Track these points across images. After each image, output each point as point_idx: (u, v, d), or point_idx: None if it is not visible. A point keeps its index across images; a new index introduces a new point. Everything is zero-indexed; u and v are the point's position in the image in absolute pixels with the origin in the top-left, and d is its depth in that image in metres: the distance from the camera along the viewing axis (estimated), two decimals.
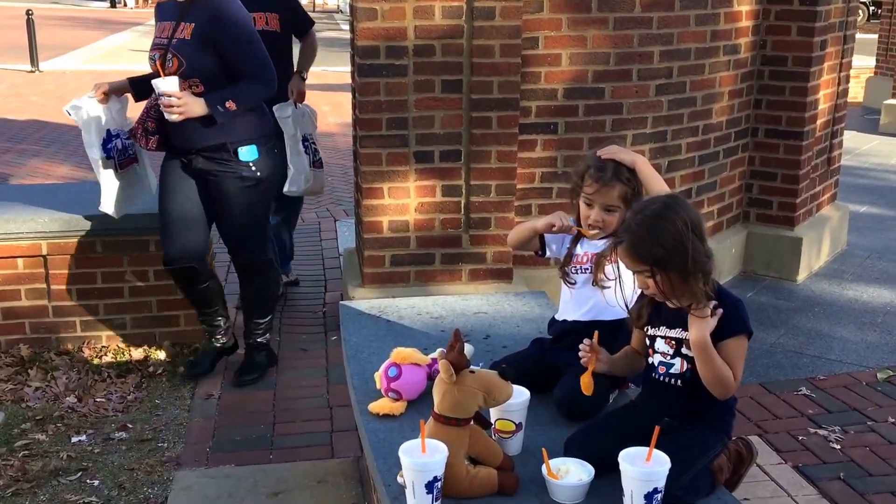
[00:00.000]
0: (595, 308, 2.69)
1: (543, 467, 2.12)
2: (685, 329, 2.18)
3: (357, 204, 4.76)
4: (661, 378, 2.26)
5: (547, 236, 2.85)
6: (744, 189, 5.85)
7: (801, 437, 3.74)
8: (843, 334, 4.88)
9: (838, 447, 3.67)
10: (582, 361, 2.32)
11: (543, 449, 2.13)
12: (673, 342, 2.24)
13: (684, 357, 2.22)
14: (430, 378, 2.61)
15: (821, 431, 3.80)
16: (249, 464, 3.48)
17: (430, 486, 1.97)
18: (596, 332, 2.35)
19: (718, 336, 2.14)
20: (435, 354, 2.68)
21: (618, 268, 2.55)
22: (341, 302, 3.43)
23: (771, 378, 4.33)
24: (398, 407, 2.50)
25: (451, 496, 2.06)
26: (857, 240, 6.56)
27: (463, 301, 3.39)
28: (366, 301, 3.43)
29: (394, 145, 4.33)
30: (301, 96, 4.92)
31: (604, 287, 2.61)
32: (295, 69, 5.04)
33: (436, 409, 2.09)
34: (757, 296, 5.44)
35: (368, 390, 2.65)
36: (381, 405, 2.51)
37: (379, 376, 2.59)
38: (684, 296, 2.16)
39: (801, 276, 5.74)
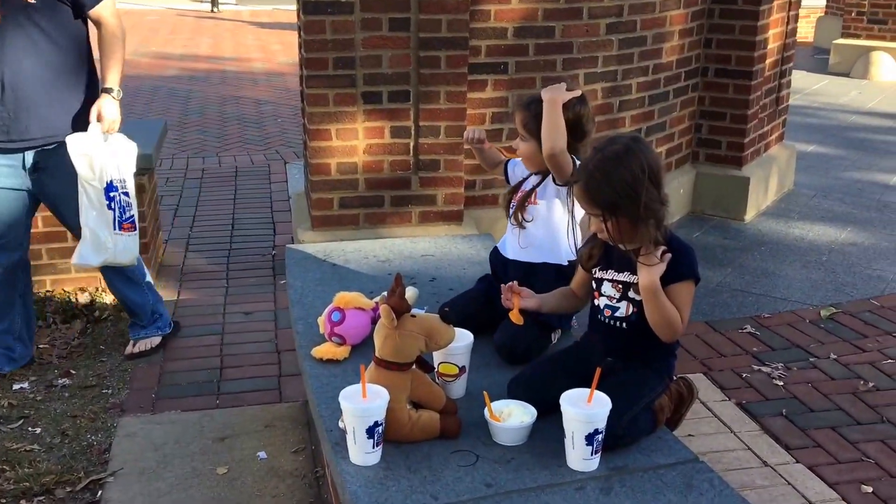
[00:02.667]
0: (536, 250, 2.68)
1: (486, 410, 2.11)
2: (633, 273, 2.18)
3: (305, 146, 4.67)
4: (607, 320, 2.26)
5: (507, 165, 2.89)
6: (693, 129, 5.86)
7: (744, 375, 3.80)
8: (788, 273, 4.95)
9: (781, 384, 3.74)
10: (504, 304, 2.31)
11: (485, 392, 2.13)
12: (620, 286, 2.23)
13: (630, 301, 2.21)
14: (374, 322, 2.57)
15: (764, 369, 3.86)
16: (196, 409, 3.45)
17: (370, 432, 1.95)
18: (511, 314, 2.33)
19: (666, 280, 2.13)
20: (378, 299, 2.65)
21: (571, 209, 2.55)
22: (287, 246, 3.38)
23: (716, 316, 4.38)
24: (342, 352, 2.48)
25: (392, 441, 2.05)
26: (804, 179, 6.64)
27: (410, 244, 3.36)
28: (312, 245, 3.39)
29: (341, 85, 4.24)
30: (109, 121, 3.40)
31: (521, 227, 2.64)
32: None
33: (377, 354, 2.07)
34: (704, 235, 5.49)
35: (312, 335, 2.62)
36: (324, 350, 2.48)
37: (322, 321, 2.56)
38: (634, 241, 2.14)
39: (749, 215, 5.80)
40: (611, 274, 2.25)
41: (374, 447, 1.98)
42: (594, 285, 2.30)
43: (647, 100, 5.24)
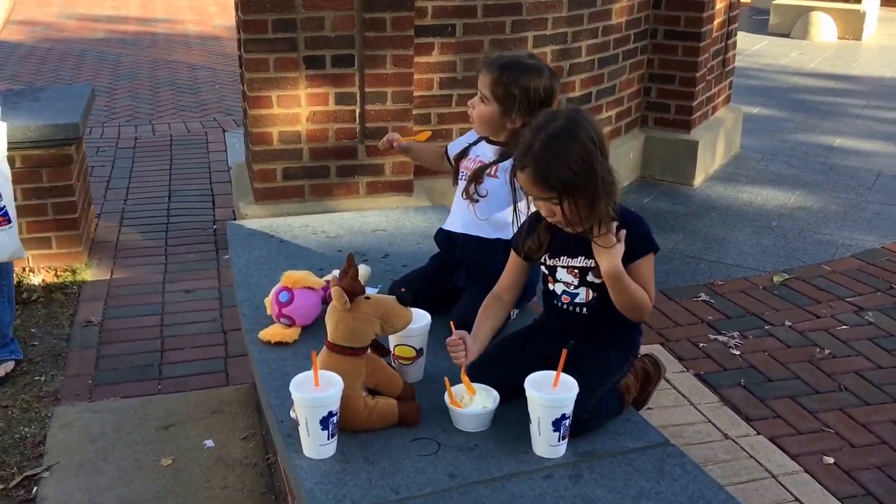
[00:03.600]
0: (489, 225, 2.53)
1: (446, 395, 2.00)
2: (588, 257, 2.05)
3: (244, 114, 4.47)
4: (565, 307, 2.14)
5: (448, 151, 2.71)
6: (642, 93, 5.78)
7: (701, 345, 3.75)
8: (739, 238, 4.92)
9: (738, 353, 3.69)
10: (456, 362, 2.05)
11: (446, 378, 2.01)
12: (576, 271, 2.10)
13: (590, 285, 2.09)
14: (325, 302, 2.44)
15: (720, 338, 3.82)
16: (136, 396, 3.28)
17: (325, 422, 1.82)
18: (452, 323, 2.11)
19: (626, 259, 2.01)
20: (329, 277, 2.51)
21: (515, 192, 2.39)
22: (229, 221, 3.21)
23: (670, 284, 4.33)
24: (291, 334, 2.34)
25: (348, 430, 1.92)
26: (750, 142, 6.63)
27: (360, 218, 3.21)
28: (255, 220, 3.22)
29: (281, 49, 4.05)
30: None
31: (474, 201, 2.49)
32: None
33: (329, 339, 1.94)
34: (654, 201, 5.43)
35: (259, 317, 2.47)
36: (272, 332, 2.34)
37: (269, 302, 2.41)
38: (590, 221, 2.00)
39: (698, 180, 5.76)
40: (564, 260, 2.10)
41: (328, 438, 1.85)
42: (545, 271, 2.16)
43: (596, 63, 5.13)
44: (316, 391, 1.83)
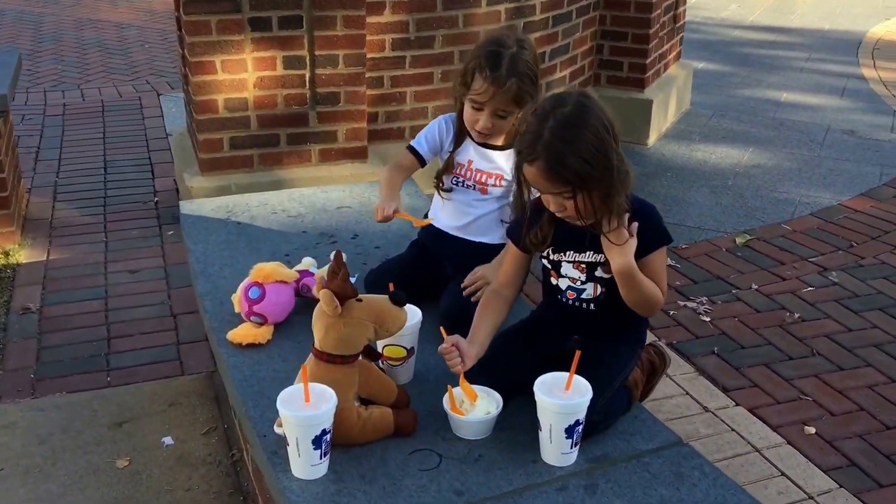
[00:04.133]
0: (475, 227, 2.37)
1: (445, 401, 1.84)
2: (597, 252, 1.90)
3: (185, 80, 4.19)
4: (571, 302, 2.00)
5: (420, 148, 2.45)
6: (594, 51, 5.63)
7: (671, 312, 3.67)
8: (698, 199, 4.85)
9: (708, 320, 3.62)
10: (454, 370, 1.88)
11: (449, 386, 1.85)
12: (583, 266, 1.95)
13: (598, 281, 1.94)
14: (299, 295, 2.26)
15: (690, 304, 3.74)
16: (84, 390, 3.05)
17: (317, 441, 1.66)
18: (442, 329, 1.94)
19: (638, 252, 1.87)
20: (301, 268, 2.32)
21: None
22: (181, 202, 2.97)
23: None
24: (263, 333, 2.15)
25: (340, 444, 1.76)
26: (699, 98, 6.55)
27: (322, 194, 3.00)
28: (209, 200, 2.98)
29: (224, 11, 3.77)
30: None
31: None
32: None
33: (317, 346, 1.76)
34: None
35: (225, 314, 2.27)
36: (243, 333, 2.14)
37: (238, 298, 2.21)
38: (603, 214, 1.84)
39: (651, 139, 5.66)
40: (571, 255, 1.95)
41: (321, 458, 1.68)
42: (549, 266, 2.01)
43: (550, 21, 4.95)
44: (307, 408, 1.65)
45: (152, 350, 3.31)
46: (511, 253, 2.04)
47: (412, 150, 2.43)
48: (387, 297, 1.79)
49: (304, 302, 2.29)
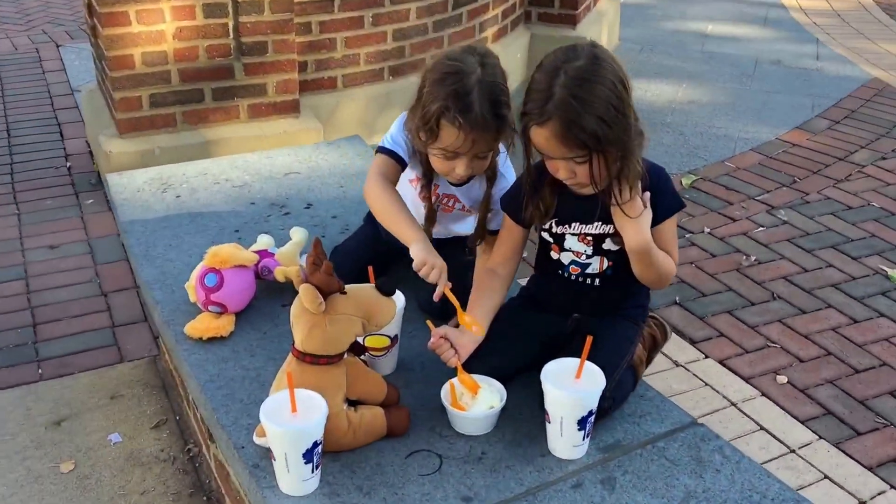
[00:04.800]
0: (442, 228, 2.11)
1: (444, 395, 1.68)
2: (606, 222, 1.73)
3: (94, 32, 3.83)
4: (574, 278, 1.83)
5: (398, 149, 1.96)
6: None
7: None
8: None
9: None
10: (450, 363, 1.71)
11: (451, 382, 1.68)
12: (590, 239, 1.78)
13: (605, 254, 1.78)
14: (259, 277, 2.05)
15: None
16: (13, 385, 2.78)
17: (308, 455, 1.47)
18: (429, 322, 1.76)
19: (653, 219, 1.72)
20: (258, 248, 2.10)
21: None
22: (108, 175, 2.68)
23: None
24: (224, 325, 1.93)
25: (329, 451, 1.58)
26: (627, 32, 6.43)
27: (266, 159, 2.76)
28: (142, 171, 2.70)
29: None
30: None
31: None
32: None
33: (299, 347, 1.56)
34: None
35: (177, 303, 2.05)
36: (202, 326, 1.92)
37: (193, 287, 1.98)
38: (618, 180, 1.67)
39: None
40: (576, 227, 1.77)
41: (312, 472, 1.50)
42: (548, 239, 1.83)
43: None
44: (295, 420, 1.46)
45: (85, 335, 3.03)
46: (507, 227, 1.86)
47: (389, 153, 1.95)
48: (372, 286, 1.60)
49: (264, 284, 2.09)
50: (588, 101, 1.56)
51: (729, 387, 2.86)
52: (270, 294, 2.06)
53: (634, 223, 1.66)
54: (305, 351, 1.54)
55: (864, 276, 3.49)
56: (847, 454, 2.58)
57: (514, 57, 5.26)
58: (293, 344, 1.58)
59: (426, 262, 1.72)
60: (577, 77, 1.57)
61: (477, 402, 1.66)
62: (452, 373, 1.72)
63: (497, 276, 1.84)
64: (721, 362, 2.99)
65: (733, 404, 2.79)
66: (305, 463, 1.47)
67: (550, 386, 1.56)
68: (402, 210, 1.85)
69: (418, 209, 1.99)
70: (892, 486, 2.46)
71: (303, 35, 4.00)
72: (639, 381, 1.82)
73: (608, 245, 1.75)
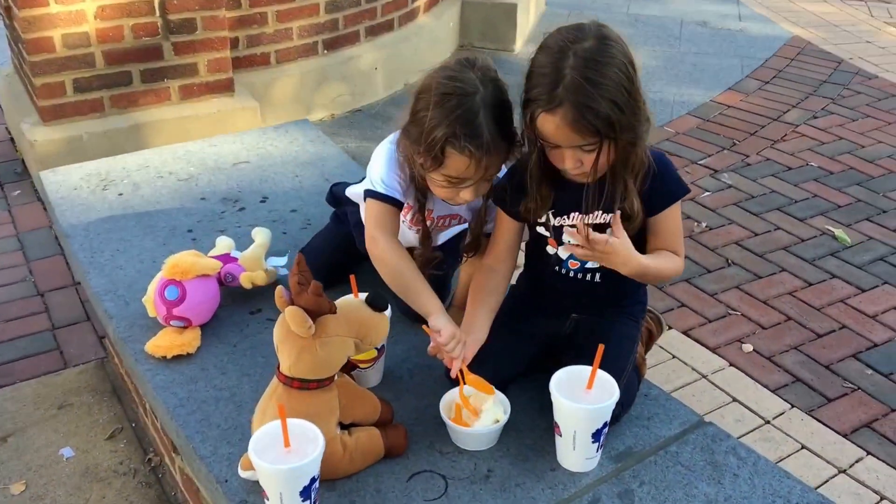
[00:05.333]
0: (439, 237, 1.96)
1: (444, 413, 1.57)
2: (608, 210, 1.62)
3: (8, 14, 3.55)
4: (573, 273, 1.72)
5: (396, 194, 1.74)
6: None
7: None
8: None
9: None
10: (454, 372, 1.60)
11: (458, 404, 1.57)
12: (589, 230, 1.67)
13: None
14: (222, 284, 1.90)
15: None
16: None
17: (306, 492, 1.35)
18: (425, 327, 1.63)
19: (657, 208, 1.62)
20: (218, 252, 1.95)
21: None
22: (42, 173, 2.46)
23: None
24: (190, 340, 1.78)
25: (325, 480, 1.46)
26: None
27: (211, 149, 2.57)
28: (78, 167, 2.48)
29: None
30: None
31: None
32: None
33: (286, 372, 1.42)
34: None
35: (134, 316, 1.88)
36: (166, 343, 1.76)
37: (151, 301, 1.82)
38: (624, 167, 1.56)
39: (518, 45, 5.41)
40: (575, 218, 1.66)
41: None
42: (545, 233, 1.72)
43: None
44: (290, 457, 1.33)
45: (23, 340, 2.82)
46: (503, 223, 1.74)
47: (385, 198, 1.72)
48: (361, 301, 1.47)
49: (228, 291, 1.94)
50: (601, 83, 1.44)
51: (697, 358, 2.83)
52: (235, 301, 1.92)
53: (619, 256, 1.55)
54: (293, 376, 1.41)
55: (811, 238, 3.50)
56: (821, 422, 2.58)
57: (446, 26, 5.12)
58: (278, 368, 1.45)
59: (454, 335, 1.58)
60: (588, 58, 1.45)
61: (481, 416, 1.55)
62: (445, 380, 1.62)
63: (496, 274, 1.73)
64: (685, 333, 2.96)
65: (704, 376, 2.76)
66: (303, 501, 1.35)
67: (564, 399, 1.46)
68: (416, 278, 1.67)
69: (405, 235, 1.83)
70: (869, 453, 2.46)
71: (232, 10, 3.79)
72: (641, 381, 1.74)
73: (609, 235, 1.65)
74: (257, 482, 1.42)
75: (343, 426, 1.50)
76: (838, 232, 3.51)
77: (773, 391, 2.70)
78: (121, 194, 2.33)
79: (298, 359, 1.39)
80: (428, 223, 1.80)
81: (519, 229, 1.73)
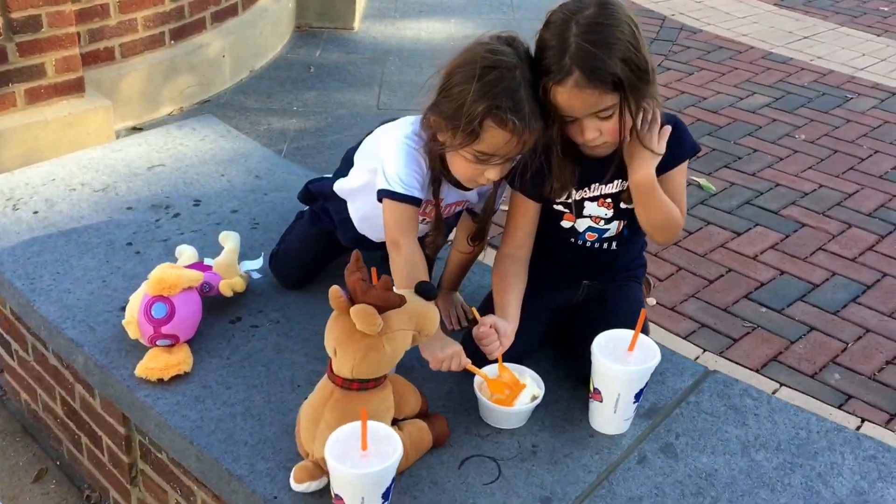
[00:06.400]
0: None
1: (480, 393, 1.56)
2: (625, 178, 1.66)
3: None
4: (590, 244, 1.75)
5: (417, 192, 1.66)
6: None
7: None
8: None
9: (505, 208, 3.55)
10: (492, 356, 1.59)
11: (486, 379, 1.56)
12: (609, 201, 1.70)
13: (622, 214, 1.71)
14: (202, 294, 1.78)
15: None
16: None
17: (387, 493, 1.31)
18: (474, 309, 1.66)
19: (664, 166, 1.66)
20: (199, 262, 1.83)
21: None
22: None
23: None
24: (184, 358, 1.66)
25: None
26: None
27: (116, 153, 2.39)
28: None
29: None
30: None
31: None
32: None
33: (347, 375, 1.36)
34: (326, 53, 4.93)
35: (106, 341, 1.73)
36: (159, 364, 1.63)
37: (134, 322, 1.68)
38: (642, 128, 1.58)
39: (356, 22, 5.36)
40: (596, 189, 1.68)
41: None
42: (563, 209, 1.73)
43: None
44: (370, 460, 1.29)
45: None
46: (521, 208, 1.73)
47: (411, 199, 1.64)
48: (411, 292, 1.43)
49: (204, 301, 1.82)
50: (608, 43, 1.48)
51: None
52: (211, 311, 1.81)
53: (643, 157, 1.59)
54: (354, 377, 1.36)
55: None
56: (733, 361, 2.76)
57: (285, 8, 4.99)
58: (330, 370, 1.39)
59: (443, 359, 1.55)
60: (591, 23, 1.49)
61: (519, 394, 1.56)
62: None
63: (517, 261, 1.73)
64: None
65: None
66: (384, 502, 1.31)
67: (610, 363, 1.50)
68: (420, 273, 1.60)
69: None
70: (782, 384, 2.66)
71: (73, 3, 3.50)
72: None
73: (623, 204, 1.69)
74: (316, 492, 1.37)
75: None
76: (702, 181, 3.73)
77: (684, 338, 2.86)
78: (36, 212, 2.12)
79: (364, 359, 1.33)
80: (443, 211, 1.76)
81: (537, 213, 1.74)
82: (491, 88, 1.51)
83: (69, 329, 1.75)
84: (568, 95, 1.50)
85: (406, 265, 1.60)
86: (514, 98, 1.51)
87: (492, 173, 1.61)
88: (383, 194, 1.63)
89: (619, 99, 1.51)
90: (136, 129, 3.76)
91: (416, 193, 1.63)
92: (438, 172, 1.67)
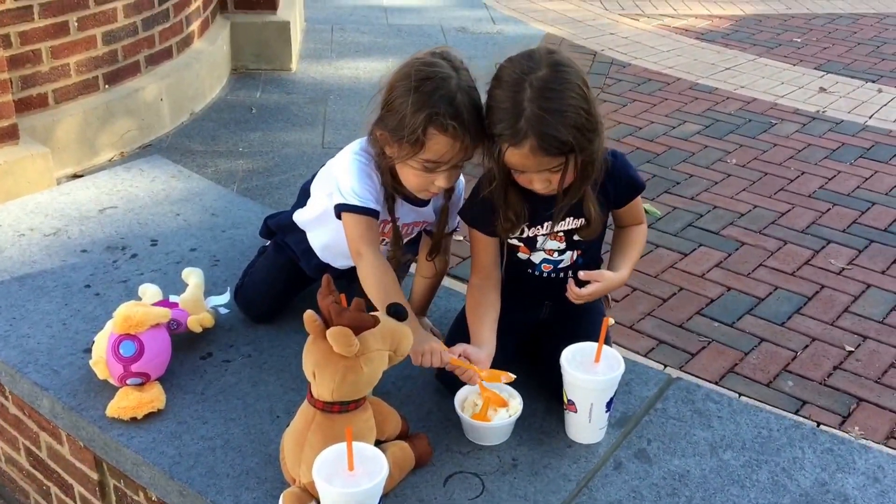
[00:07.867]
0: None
1: (461, 410, 1.58)
2: (576, 216, 1.71)
3: None
4: (546, 275, 1.79)
5: (371, 203, 1.69)
6: None
7: None
8: None
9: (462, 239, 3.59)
10: (471, 382, 1.61)
11: (482, 389, 1.58)
12: (562, 235, 1.75)
13: (575, 246, 1.76)
14: (170, 332, 1.77)
15: None
16: None
17: None
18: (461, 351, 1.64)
19: (622, 201, 1.75)
20: (165, 299, 1.82)
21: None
22: None
23: None
24: (157, 395, 1.65)
25: None
26: (310, 13, 6.39)
27: (63, 197, 2.36)
28: None
29: None
30: None
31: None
32: None
33: (327, 398, 1.37)
34: (266, 95, 4.95)
35: (72, 383, 1.70)
36: (132, 403, 1.61)
37: (102, 362, 1.66)
38: (587, 177, 1.64)
39: (294, 63, 5.40)
40: (548, 227, 1.73)
41: None
42: (517, 243, 1.77)
43: None
44: (359, 479, 1.29)
45: None
46: (480, 242, 1.76)
47: (368, 211, 1.68)
48: (382, 313, 1.44)
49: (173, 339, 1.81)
50: (560, 111, 1.52)
51: None
52: (181, 348, 1.80)
53: (609, 288, 1.72)
54: (335, 400, 1.36)
55: None
56: (693, 374, 2.82)
57: (221, 50, 5.00)
58: (310, 395, 1.39)
59: (423, 352, 1.57)
60: (544, 88, 1.52)
61: (499, 410, 1.59)
62: (430, 386, 1.63)
63: (487, 289, 1.76)
64: None
65: None
66: None
67: (581, 374, 1.54)
68: (400, 294, 1.64)
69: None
70: (741, 394, 2.73)
71: (2, 49, 3.47)
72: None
73: (577, 237, 1.75)
74: None
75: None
76: (648, 206, 3.84)
77: (644, 356, 2.92)
78: None
79: (343, 380, 1.35)
80: (401, 230, 1.79)
81: (497, 243, 1.78)
82: (429, 97, 1.57)
83: (32, 373, 1.72)
84: (522, 157, 1.56)
85: (373, 273, 1.63)
86: (453, 104, 1.58)
87: (441, 181, 1.65)
88: (341, 209, 1.67)
89: (566, 159, 1.56)
90: (76, 177, 3.71)
91: (373, 205, 1.67)
92: (391, 188, 1.71)
